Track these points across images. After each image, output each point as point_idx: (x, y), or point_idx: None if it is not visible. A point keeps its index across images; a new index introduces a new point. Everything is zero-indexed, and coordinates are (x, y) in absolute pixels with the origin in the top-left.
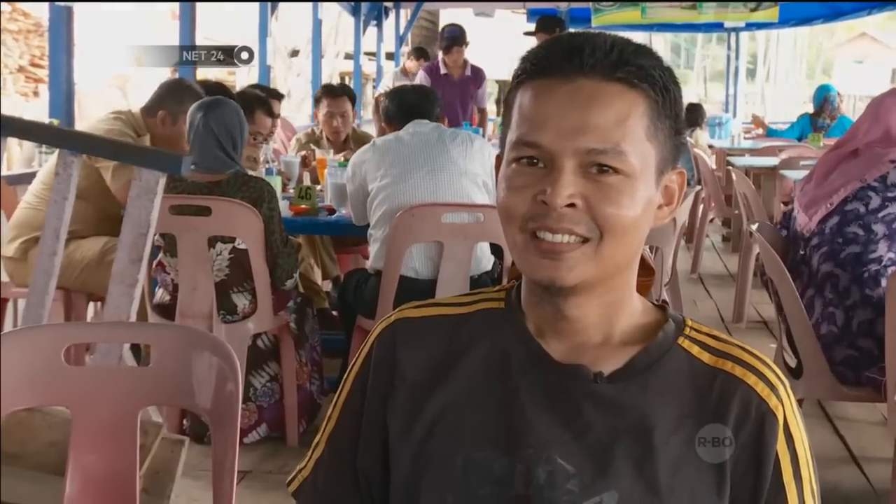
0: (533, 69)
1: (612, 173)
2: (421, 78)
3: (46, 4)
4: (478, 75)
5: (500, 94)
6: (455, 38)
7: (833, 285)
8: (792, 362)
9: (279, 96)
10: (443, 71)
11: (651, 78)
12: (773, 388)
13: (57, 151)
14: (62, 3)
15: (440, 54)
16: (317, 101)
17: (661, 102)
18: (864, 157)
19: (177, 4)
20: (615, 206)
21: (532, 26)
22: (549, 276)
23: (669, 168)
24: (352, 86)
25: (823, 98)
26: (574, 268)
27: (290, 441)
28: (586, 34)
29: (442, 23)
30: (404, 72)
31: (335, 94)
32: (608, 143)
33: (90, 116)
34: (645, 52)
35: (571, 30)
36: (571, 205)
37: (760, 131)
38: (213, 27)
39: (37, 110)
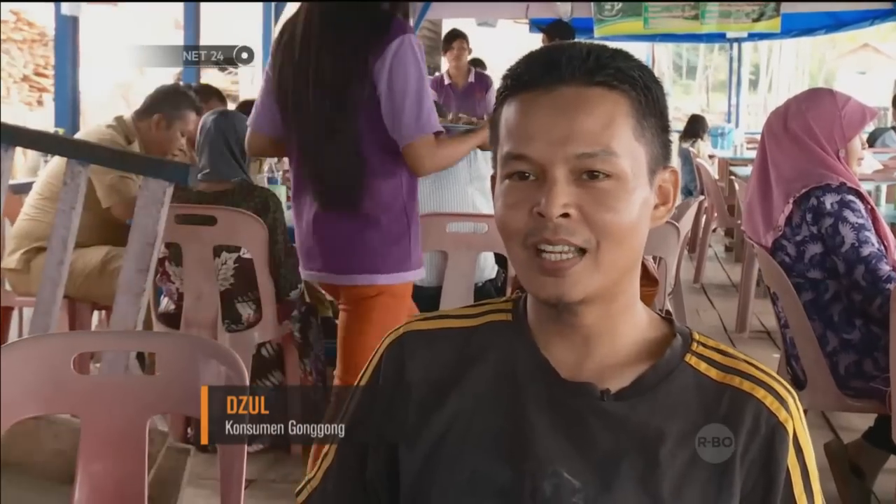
0: (515, 84)
1: (605, 178)
2: None
3: (52, 15)
4: (483, 81)
5: None
6: (455, 33)
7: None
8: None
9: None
10: (447, 81)
11: (631, 79)
12: (782, 401)
13: (52, 161)
14: (68, 11)
15: (444, 62)
16: None
17: (644, 101)
18: (775, 193)
19: (180, 14)
20: (611, 212)
21: (535, 36)
22: (554, 293)
23: (661, 167)
24: None
25: None
26: (578, 282)
27: (294, 450)
28: (563, 44)
29: (444, 32)
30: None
31: None
32: (597, 146)
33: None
34: (622, 54)
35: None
36: (566, 215)
37: None
38: (217, 37)
39: (40, 119)
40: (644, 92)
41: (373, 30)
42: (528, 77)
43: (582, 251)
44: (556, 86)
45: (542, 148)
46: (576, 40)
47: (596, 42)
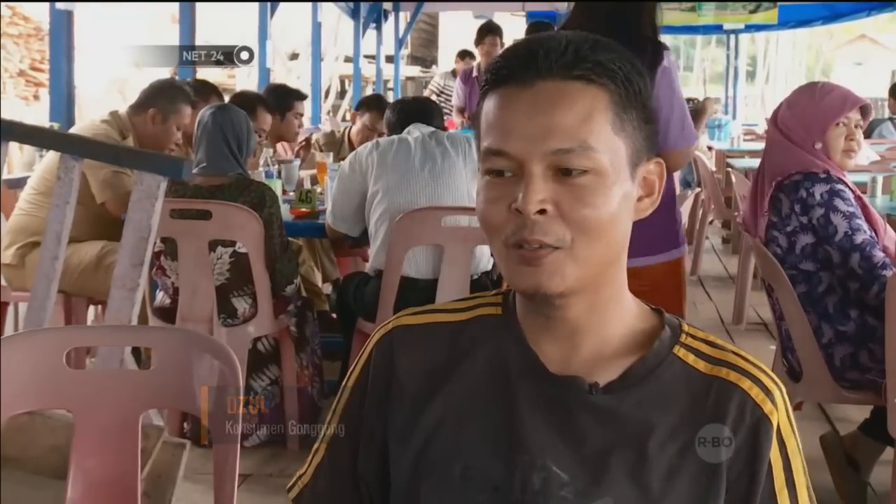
0: (494, 79)
1: (582, 174)
2: (457, 85)
3: (47, 9)
4: None
5: None
6: (489, 27)
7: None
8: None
9: (302, 97)
10: (474, 73)
11: (610, 72)
12: (768, 392)
13: (47, 156)
14: (62, 6)
15: (477, 54)
16: (359, 108)
17: (625, 94)
18: (765, 183)
19: (176, 8)
20: (589, 208)
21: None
22: (532, 284)
23: (644, 159)
24: (350, 89)
25: None
26: (555, 273)
27: (290, 444)
28: (542, 37)
29: (441, 26)
30: (454, 73)
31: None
32: (574, 141)
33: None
34: (603, 46)
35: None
36: (543, 211)
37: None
38: (212, 31)
39: (37, 114)
40: (625, 84)
41: (643, 57)
42: (506, 72)
43: (558, 247)
44: (535, 81)
45: (520, 144)
46: (556, 31)
47: (579, 33)
